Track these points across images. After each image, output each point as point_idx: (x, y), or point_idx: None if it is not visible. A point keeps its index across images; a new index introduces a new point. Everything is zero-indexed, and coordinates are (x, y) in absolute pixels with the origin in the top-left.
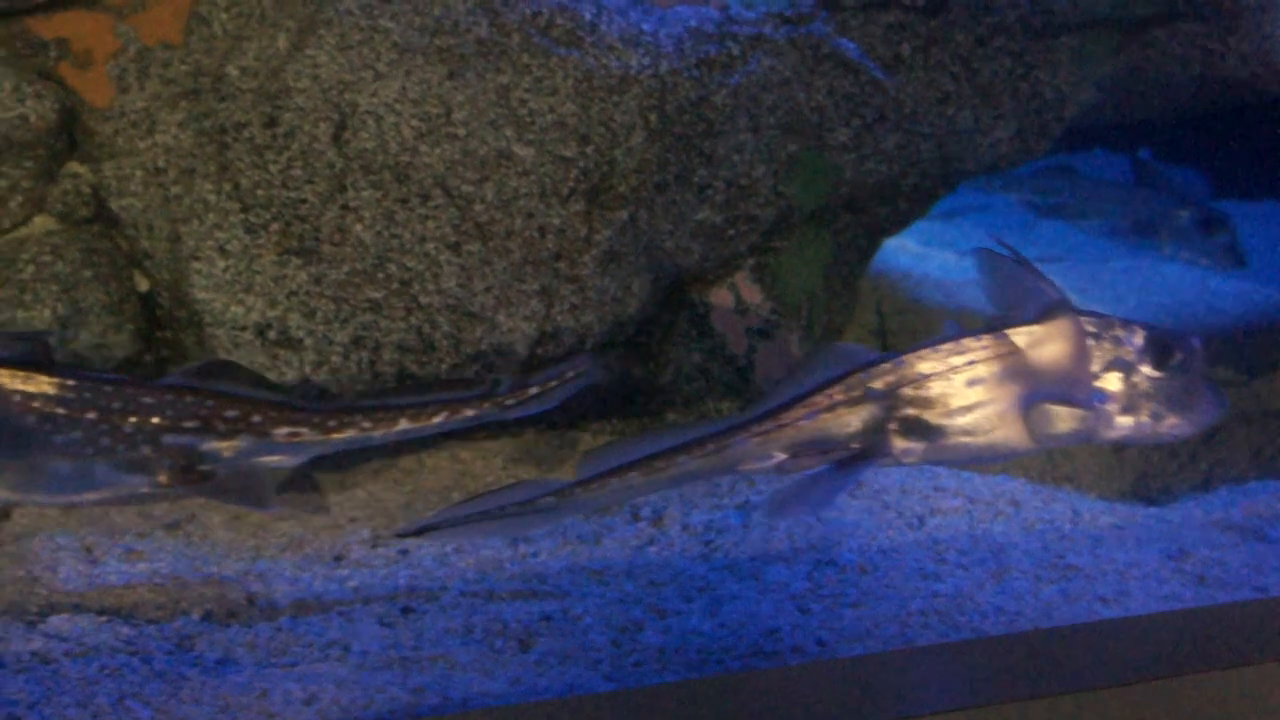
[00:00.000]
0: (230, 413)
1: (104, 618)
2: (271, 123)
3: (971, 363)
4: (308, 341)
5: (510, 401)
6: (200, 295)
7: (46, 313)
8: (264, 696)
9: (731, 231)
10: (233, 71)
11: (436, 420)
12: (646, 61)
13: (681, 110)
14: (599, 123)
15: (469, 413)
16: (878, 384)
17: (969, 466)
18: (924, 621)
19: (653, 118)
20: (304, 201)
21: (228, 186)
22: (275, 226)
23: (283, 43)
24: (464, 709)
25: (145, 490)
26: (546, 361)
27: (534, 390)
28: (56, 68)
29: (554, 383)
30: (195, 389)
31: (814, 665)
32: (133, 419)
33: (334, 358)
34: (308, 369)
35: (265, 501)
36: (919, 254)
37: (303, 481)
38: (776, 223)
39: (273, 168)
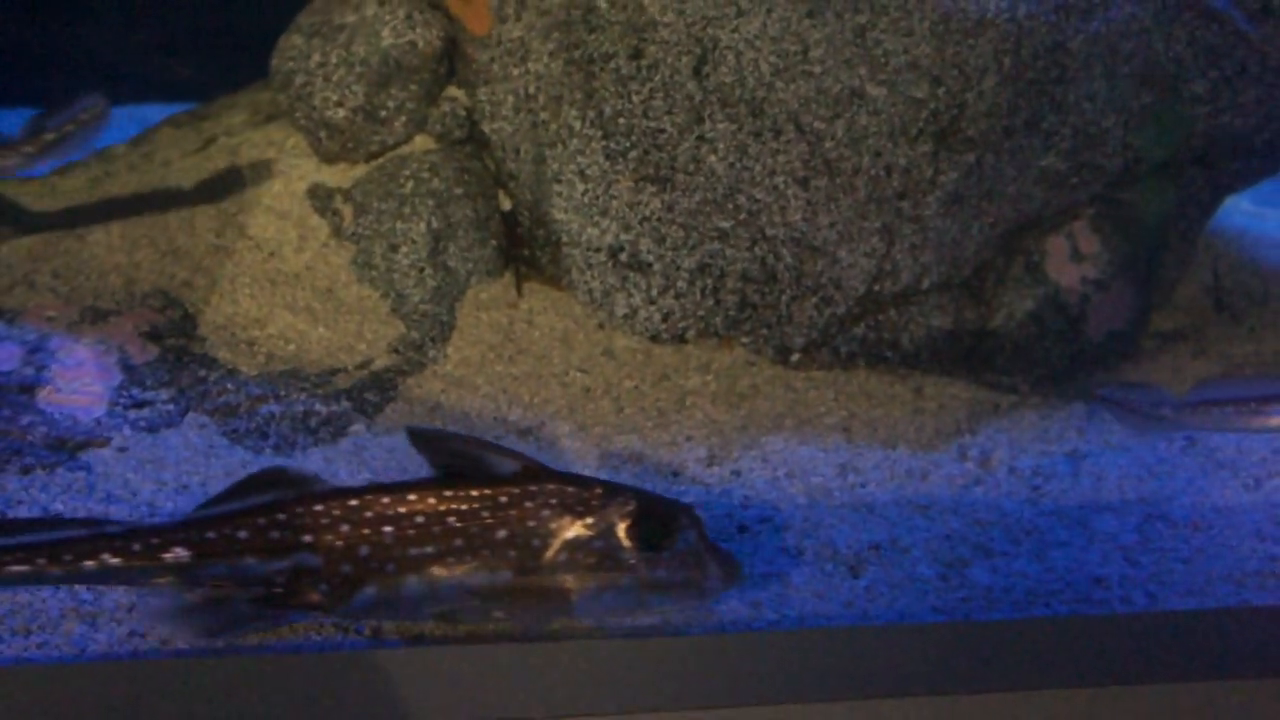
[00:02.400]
0: None
1: None
2: (637, 54)
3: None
4: (656, 266)
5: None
6: (559, 216)
7: (422, 225)
8: None
9: (1075, 180)
10: (603, 4)
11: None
12: (1004, 4)
13: (1036, 55)
14: (952, 65)
15: None
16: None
17: None
18: (1260, 583)
19: (1007, 61)
20: (662, 131)
21: (592, 114)
22: (634, 154)
23: None
24: (800, 625)
25: None
26: (883, 299)
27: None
28: None
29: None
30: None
31: (1144, 615)
32: None
33: (680, 283)
34: (654, 292)
35: None
36: (1254, 213)
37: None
38: (1121, 173)
39: (635, 98)
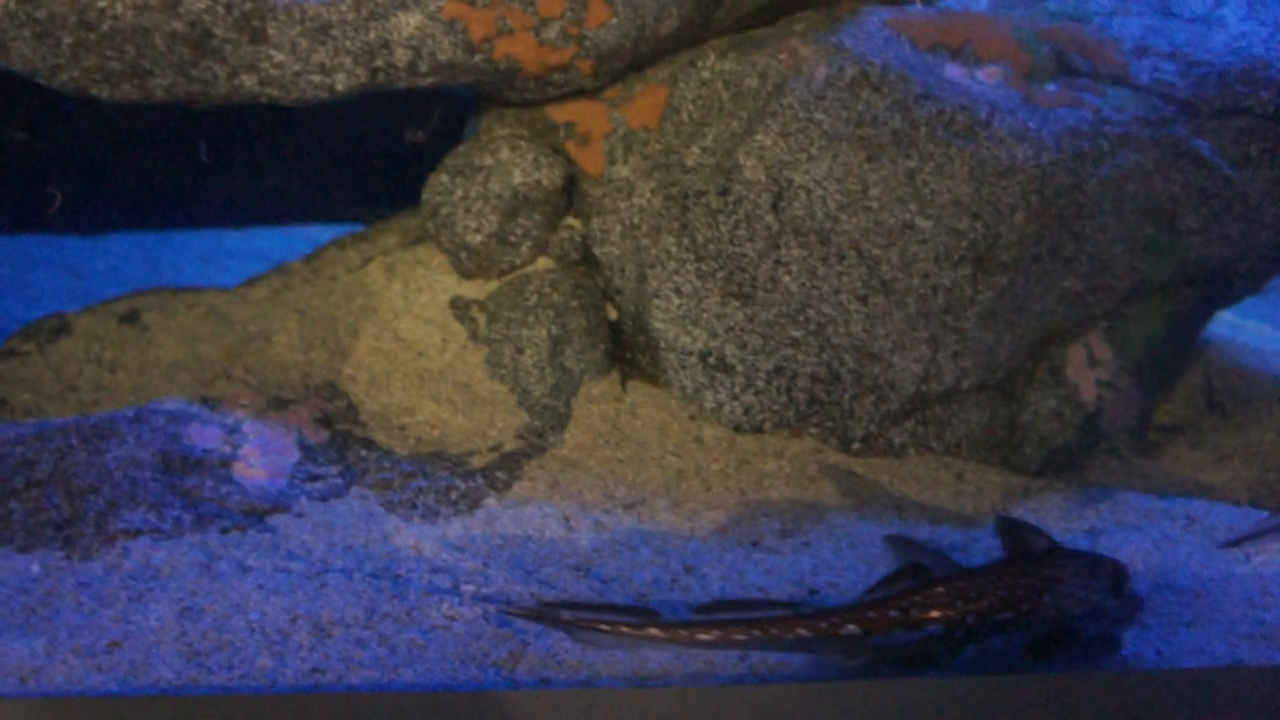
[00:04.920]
0: None
1: (579, 572)
2: (724, 192)
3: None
4: (739, 368)
5: None
6: (658, 325)
7: (543, 332)
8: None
9: (1090, 298)
10: (695, 150)
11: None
12: (1030, 153)
13: (1058, 195)
14: (988, 202)
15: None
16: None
17: None
18: (1252, 645)
19: (1033, 200)
20: (745, 256)
21: (686, 240)
22: (721, 274)
23: (736, 128)
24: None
25: None
26: (929, 397)
27: None
28: (564, 144)
29: None
30: None
31: (1156, 672)
32: None
33: (758, 382)
34: (737, 390)
35: None
36: (1236, 324)
37: None
38: (1129, 292)
39: (723, 228)
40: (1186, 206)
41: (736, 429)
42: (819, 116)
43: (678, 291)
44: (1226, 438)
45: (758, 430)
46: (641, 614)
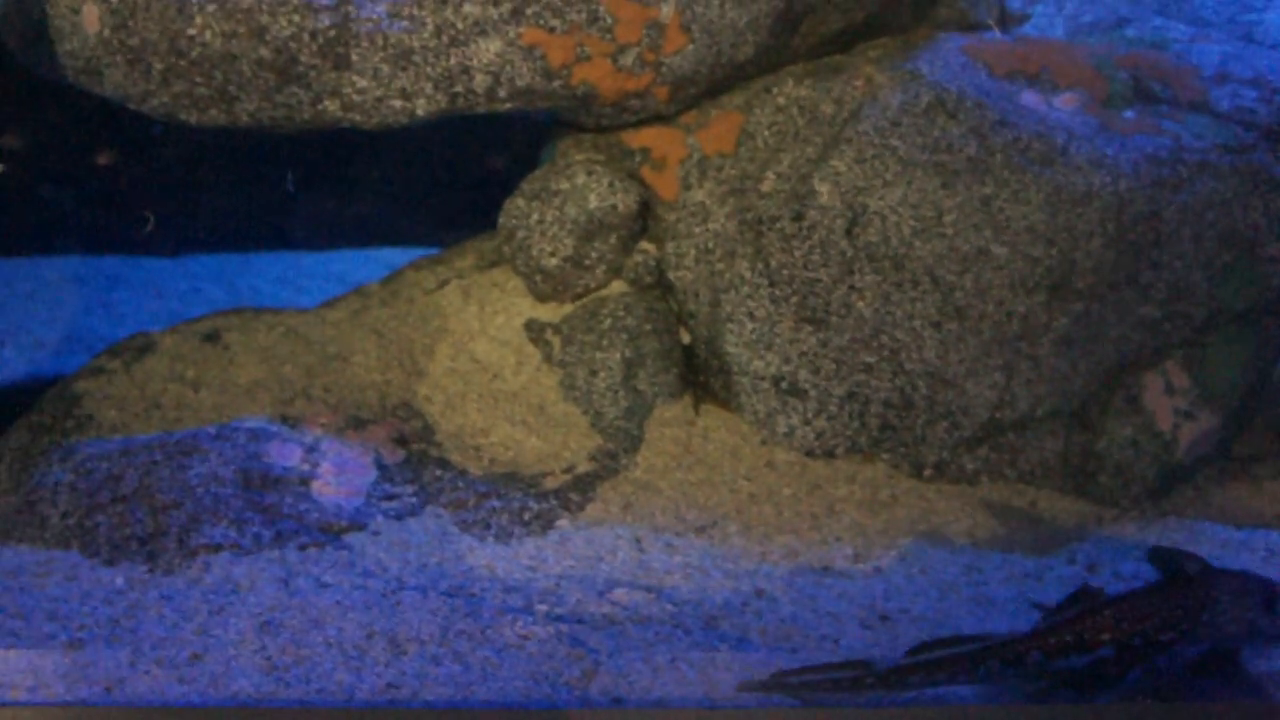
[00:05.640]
0: None
1: (651, 594)
2: (799, 217)
3: None
4: (812, 393)
5: None
6: (731, 350)
7: (617, 355)
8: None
9: (1168, 325)
10: (770, 175)
11: None
12: (1107, 180)
13: (1135, 222)
14: (1064, 229)
15: None
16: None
17: None
18: None
19: (1110, 227)
20: (819, 281)
21: (760, 265)
22: (794, 299)
23: (811, 154)
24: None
25: None
26: (1003, 424)
27: None
28: (639, 169)
29: None
30: None
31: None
32: None
33: (831, 407)
34: (810, 415)
35: None
36: None
37: None
38: (1207, 320)
39: (797, 253)
40: (1266, 233)
41: (809, 454)
42: (894, 143)
43: (751, 316)
44: None
45: (830, 455)
46: (857, 666)
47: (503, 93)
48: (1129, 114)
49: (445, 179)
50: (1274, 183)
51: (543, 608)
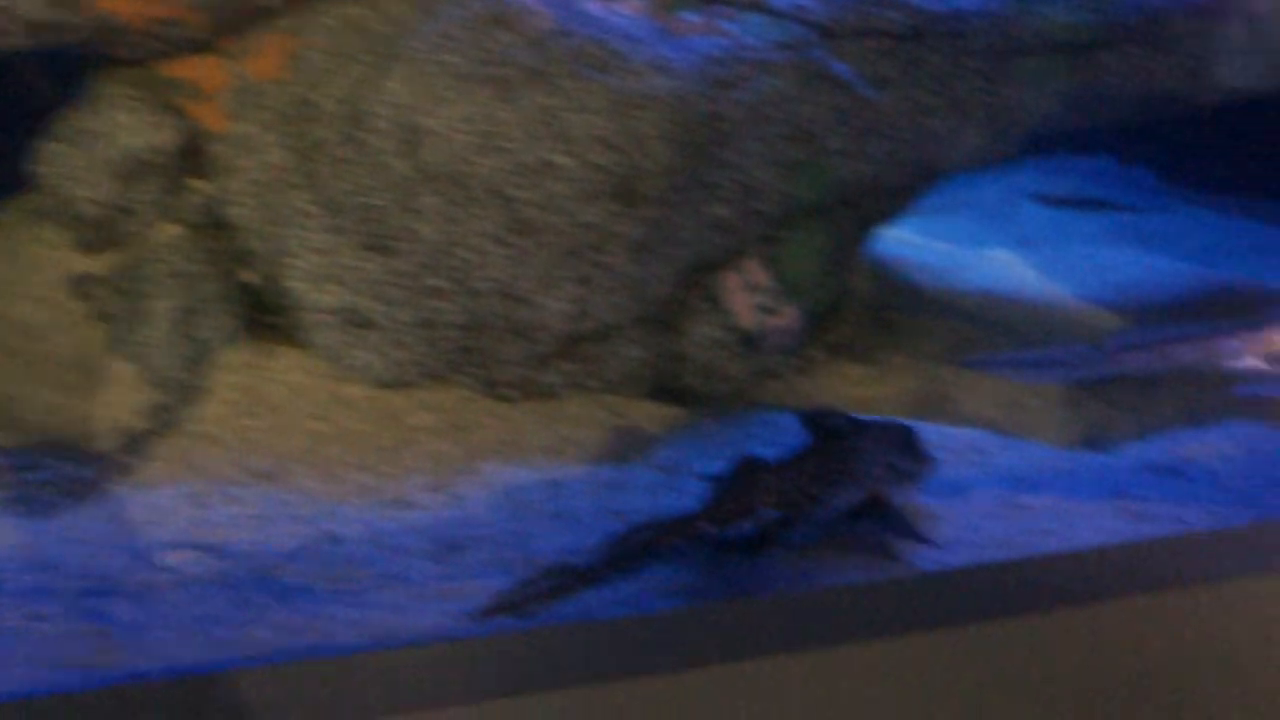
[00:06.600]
0: None
1: (203, 552)
2: (354, 142)
3: None
4: (381, 323)
5: None
6: (294, 285)
7: (170, 303)
8: (328, 620)
9: (741, 224)
10: (322, 101)
11: None
12: (668, 83)
13: (698, 123)
14: (627, 135)
15: None
16: None
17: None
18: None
19: (673, 130)
20: (379, 206)
21: (317, 195)
22: (355, 228)
23: (364, 75)
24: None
25: None
26: (583, 336)
27: None
28: (182, 102)
29: None
30: None
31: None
32: None
33: (402, 335)
34: (381, 345)
35: None
36: (918, 244)
37: None
38: (781, 216)
39: (353, 179)
40: (829, 128)
41: (384, 386)
42: (449, 58)
43: (312, 248)
44: (890, 352)
45: (406, 385)
46: (559, 573)
47: (14, 27)
48: (690, 16)
49: None
50: (832, 78)
51: (72, 584)
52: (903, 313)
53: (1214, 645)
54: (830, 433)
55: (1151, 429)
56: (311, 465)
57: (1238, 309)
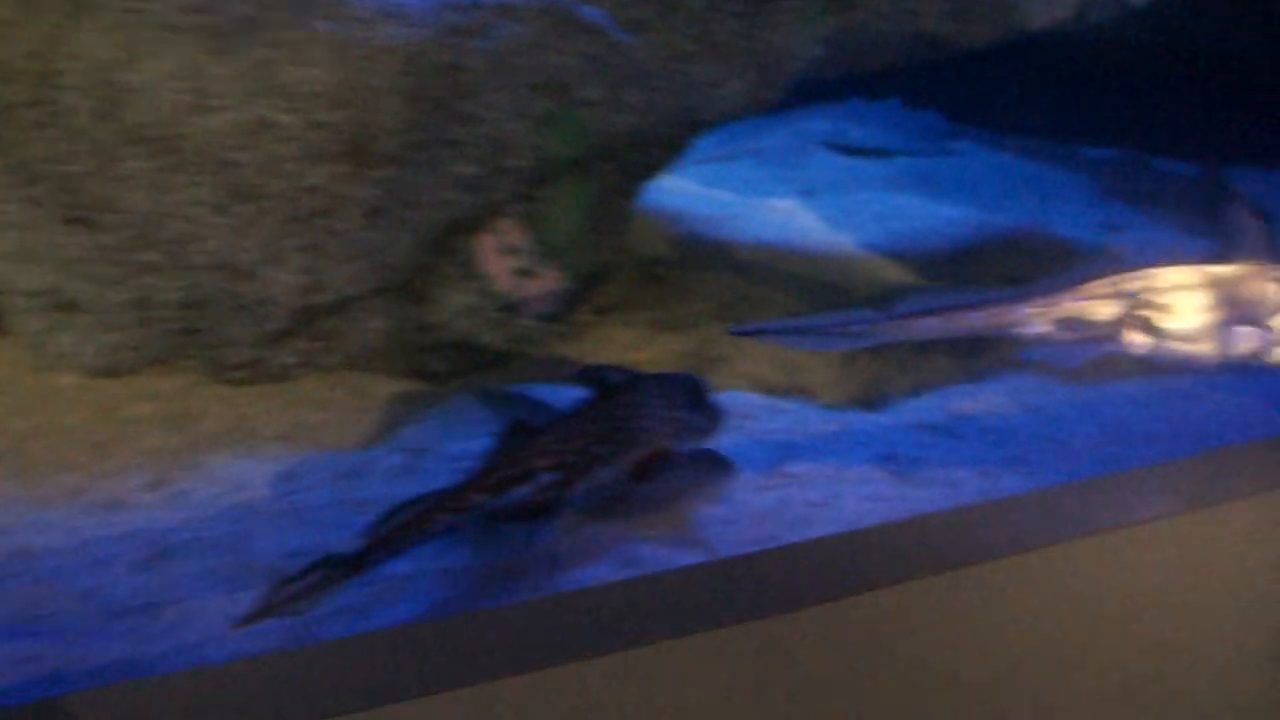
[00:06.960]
0: None
1: None
2: (45, 102)
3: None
4: (89, 305)
5: None
6: None
7: None
8: None
9: (492, 183)
10: (7, 57)
11: None
12: (398, 31)
13: (435, 74)
14: (355, 90)
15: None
16: (1131, 285)
17: None
18: None
19: (407, 82)
20: (79, 174)
21: (8, 162)
22: (54, 198)
23: (54, 27)
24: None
25: None
26: (319, 309)
27: None
28: None
29: None
30: None
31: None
32: None
33: (114, 317)
34: (90, 329)
35: None
36: (700, 195)
37: None
38: (536, 173)
39: (48, 144)
40: (583, 77)
41: (96, 374)
42: (150, 5)
43: (7, 222)
44: (662, 312)
45: (122, 372)
46: (327, 562)
47: None
48: None
49: None
50: (583, 24)
51: None
52: (679, 269)
53: (1017, 616)
54: (610, 389)
55: (927, 387)
56: (14, 466)
57: (1021, 257)
